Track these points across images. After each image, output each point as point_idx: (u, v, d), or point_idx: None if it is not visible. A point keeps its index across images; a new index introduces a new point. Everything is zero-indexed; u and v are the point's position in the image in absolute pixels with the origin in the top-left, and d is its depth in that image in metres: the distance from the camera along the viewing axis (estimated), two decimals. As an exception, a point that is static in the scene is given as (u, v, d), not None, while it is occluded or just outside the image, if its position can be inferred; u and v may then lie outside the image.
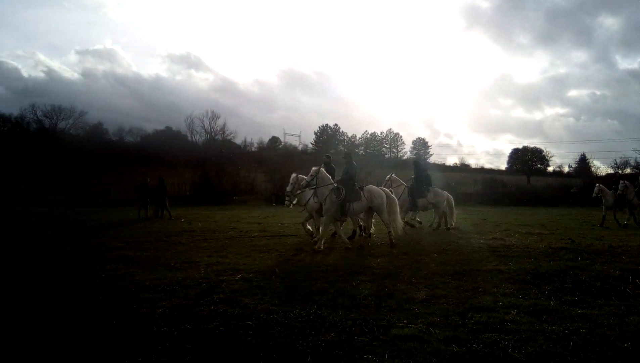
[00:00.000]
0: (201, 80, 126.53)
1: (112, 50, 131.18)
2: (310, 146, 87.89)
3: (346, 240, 12.14)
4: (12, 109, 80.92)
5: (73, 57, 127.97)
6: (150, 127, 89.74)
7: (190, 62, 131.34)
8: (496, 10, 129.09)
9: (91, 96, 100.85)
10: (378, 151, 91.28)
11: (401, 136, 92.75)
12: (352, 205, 11.84)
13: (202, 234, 14.77)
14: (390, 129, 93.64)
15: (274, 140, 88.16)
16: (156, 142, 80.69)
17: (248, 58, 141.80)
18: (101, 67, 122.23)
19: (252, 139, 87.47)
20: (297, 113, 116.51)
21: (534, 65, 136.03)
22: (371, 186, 12.55)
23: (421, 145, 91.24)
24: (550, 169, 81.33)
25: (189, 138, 75.55)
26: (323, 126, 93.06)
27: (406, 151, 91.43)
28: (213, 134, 70.44)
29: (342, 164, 12.70)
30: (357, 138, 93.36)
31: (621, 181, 19.44)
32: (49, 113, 79.76)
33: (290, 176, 12.67)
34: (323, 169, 12.34)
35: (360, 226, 13.61)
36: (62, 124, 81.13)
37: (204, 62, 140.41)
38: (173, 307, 6.44)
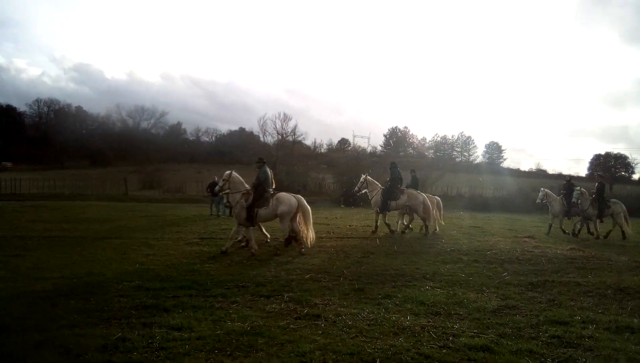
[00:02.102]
0: (271, 82, 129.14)
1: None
2: (380, 148, 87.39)
3: (254, 245, 11.32)
4: (99, 109, 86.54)
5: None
6: (224, 127, 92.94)
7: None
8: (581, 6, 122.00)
9: (170, 97, 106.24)
10: (448, 155, 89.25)
11: (473, 140, 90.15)
12: (260, 211, 11.51)
13: (272, 233, 15.09)
14: (462, 132, 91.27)
15: (343, 142, 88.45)
16: (230, 142, 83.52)
17: (318, 60, 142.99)
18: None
19: (321, 140, 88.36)
20: (367, 115, 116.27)
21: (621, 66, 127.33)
22: (281, 194, 11.94)
23: (494, 149, 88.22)
24: (635, 177, 75.87)
25: (261, 139, 77.43)
26: (393, 128, 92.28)
27: (478, 154, 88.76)
28: (284, 135, 71.90)
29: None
30: (427, 140, 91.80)
31: (576, 188, 17.44)
32: (132, 113, 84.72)
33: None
34: (235, 173, 11.94)
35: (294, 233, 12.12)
36: (144, 124, 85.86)
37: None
38: (245, 303, 6.69)
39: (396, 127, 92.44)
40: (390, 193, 15.72)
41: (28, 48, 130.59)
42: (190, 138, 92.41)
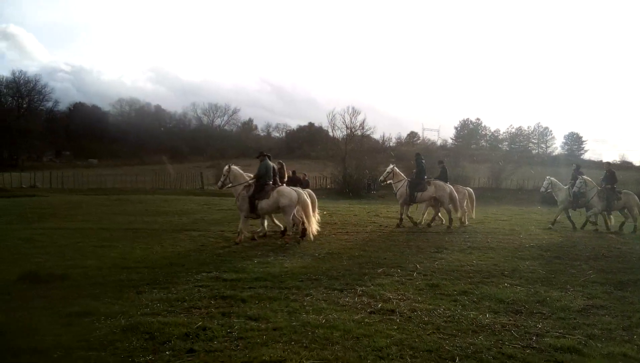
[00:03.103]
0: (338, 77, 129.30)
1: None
2: (450, 141, 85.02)
3: (246, 234, 11.92)
4: (176, 108, 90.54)
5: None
6: (293, 123, 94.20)
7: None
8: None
9: (240, 95, 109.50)
10: (524, 147, 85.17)
11: (551, 131, 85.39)
12: (260, 203, 11.71)
13: (343, 227, 15.13)
14: (539, 122, 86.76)
15: (412, 135, 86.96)
16: (299, 137, 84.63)
17: (386, 53, 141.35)
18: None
19: (390, 134, 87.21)
20: (437, 108, 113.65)
21: None
22: (282, 188, 12.18)
23: (574, 140, 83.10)
24: None
25: (330, 133, 77.77)
26: (464, 120, 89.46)
27: (556, 146, 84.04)
28: (353, 129, 71.74)
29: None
30: (501, 132, 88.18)
31: (579, 177, 15.92)
32: (207, 111, 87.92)
33: None
34: (235, 167, 12.35)
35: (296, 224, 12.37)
36: (218, 121, 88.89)
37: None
38: (319, 295, 6.72)
39: (467, 119, 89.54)
40: (417, 184, 15.59)
41: (108, 51, 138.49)
42: (261, 134, 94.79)
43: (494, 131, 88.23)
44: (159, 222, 15.33)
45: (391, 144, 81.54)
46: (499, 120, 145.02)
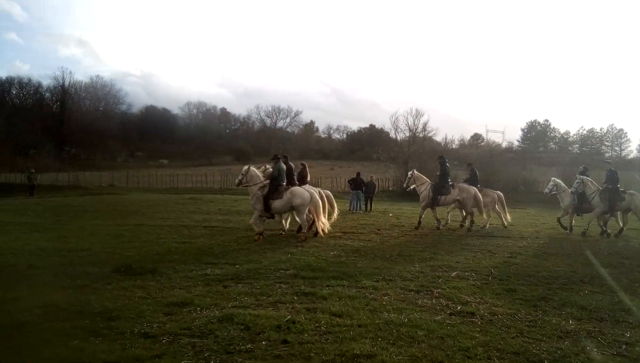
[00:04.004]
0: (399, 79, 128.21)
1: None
2: (517, 143, 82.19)
3: (259, 230, 12.40)
4: (240, 110, 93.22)
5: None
6: (353, 125, 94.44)
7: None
8: None
9: (301, 97, 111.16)
10: (596, 150, 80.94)
11: (626, 132, 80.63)
12: (274, 203, 12.28)
13: (411, 229, 15.16)
14: (612, 124, 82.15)
15: (476, 137, 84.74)
16: (360, 139, 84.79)
17: (449, 53, 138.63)
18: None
19: (452, 136, 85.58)
20: (502, 108, 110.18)
21: None
22: (295, 188, 12.61)
23: (651, 143, 78.00)
24: None
25: (393, 135, 77.32)
26: (531, 121, 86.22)
27: (632, 149, 79.22)
28: (415, 131, 71.02)
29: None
30: (571, 134, 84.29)
31: (578, 176, 14.93)
32: (270, 113, 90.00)
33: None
34: (253, 168, 13.08)
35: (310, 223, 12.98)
36: (280, 123, 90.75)
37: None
38: (397, 296, 6.88)
39: (535, 120, 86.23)
40: (440, 187, 15.39)
41: (174, 55, 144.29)
42: (322, 136, 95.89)
43: (564, 133, 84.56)
44: (232, 221, 15.96)
45: (454, 146, 79.97)
46: (569, 121, 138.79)
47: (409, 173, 16.60)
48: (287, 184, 12.87)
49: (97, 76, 75.07)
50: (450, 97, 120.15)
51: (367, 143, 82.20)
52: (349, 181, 24.20)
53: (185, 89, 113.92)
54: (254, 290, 7.01)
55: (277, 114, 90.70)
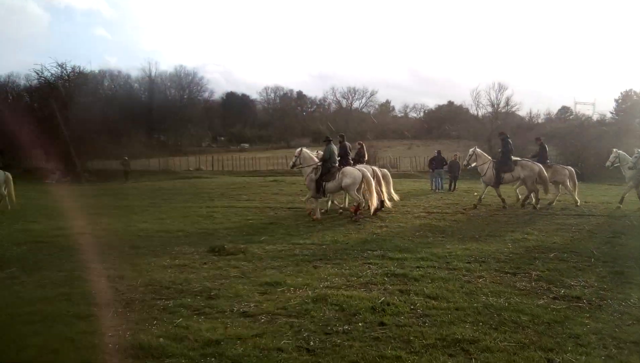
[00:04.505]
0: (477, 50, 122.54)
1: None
2: (609, 115, 76.00)
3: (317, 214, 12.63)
4: (316, 92, 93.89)
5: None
6: (431, 102, 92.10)
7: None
8: None
9: (374, 75, 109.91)
10: None
11: None
12: (327, 184, 12.44)
13: (498, 208, 14.53)
14: None
15: (564, 110, 79.27)
16: (438, 116, 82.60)
17: (530, 20, 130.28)
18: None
19: (537, 110, 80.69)
20: (591, 79, 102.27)
21: None
22: (347, 168, 12.71)
23: None
24: None
25: (474, 111, 74.42)
26: (626, 91, 79.21)
27: None
28: (497, 106, 67.93)
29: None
30: (675, 103, 76.60)
31: (637, 150, 13.88)
32: (345, 94, 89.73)
33: None
34: (306, 150, 13.46)
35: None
36: (356, 104, 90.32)
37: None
38: (492, 278, 6.60)
39: (630, 90, 79.07)
40: (503, 165, 14.77)
41: (251, 40, 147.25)
42: (399, 115, 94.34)
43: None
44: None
45: (539, 121, 75.51)
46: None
47: (470, 150, 16.07)
48: (342, 165, 13.05)
49: (181, 66, 78.19)
50: (534, 69, 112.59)
51: (446, 120, 79.77)
52: (430, 161, 23.59)
53: (262, 74, 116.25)
54: (344, 271, 7.01)
55: (353, 94, 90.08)
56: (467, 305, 5.33)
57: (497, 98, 65.05)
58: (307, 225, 11.55)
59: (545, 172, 14.62)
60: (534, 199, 14.62)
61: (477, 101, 68.52)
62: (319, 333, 4.51)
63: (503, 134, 15.88)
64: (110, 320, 4.91)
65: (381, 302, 5.34)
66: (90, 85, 51.50)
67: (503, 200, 14.83)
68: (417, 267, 7.21)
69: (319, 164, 13.01)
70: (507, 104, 66.33)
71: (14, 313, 5.14)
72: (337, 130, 77.04)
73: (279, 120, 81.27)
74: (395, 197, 14.74)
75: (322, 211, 13.51)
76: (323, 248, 8.81)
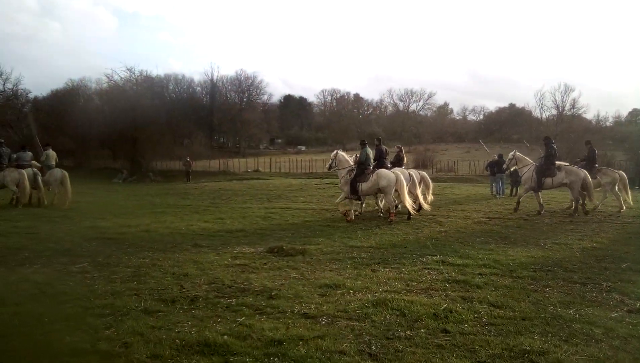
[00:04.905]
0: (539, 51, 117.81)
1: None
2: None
3: (351, 215, 13.04)
4: (372, 95, 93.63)
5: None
6: (491, 105, 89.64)
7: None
8: None
9: (432, 77, 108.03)
10: None
11: None
12: (361, 185, 12.75)
13: (563, 216, 13.90)
14: None
15: (635, 113, 74.95)
16: (499, 119, 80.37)
17: (599, 17, 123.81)
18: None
19: (606, 113, 76.68)
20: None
21: None
22: (381, 170, 12.97)
23: None
24: None
25: (537, 114, 71.78)
26: None
27: None
28: (562, 109, 65.19)
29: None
30: None
31: None
32: (402, 96, 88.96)
33: None
34: (341, 153, 14.06)
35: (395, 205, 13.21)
36: (413, 106, 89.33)
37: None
38: (559, 288, 6.32)
39: None
40: (545, 169, 14.28)
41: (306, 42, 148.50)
42: (457, 117, 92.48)
43: None
44: (372, 205, 16.00)
45: (607, 124, 71.71)
46: None
47: (510, 154, 15.69)
48: (378, 168, 13.26)
49: (241, 69, 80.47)
50: (603, 69, 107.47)
51: (507, 123, 77.50)
52: (488, 164, 22.89)
53: (320, 77, 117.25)
54: (403, 275, 6.92)
55: (410, 97, 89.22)
56: (534, 315, 5.11)
57: (562, 100, 62.54)
58: (364, 228, 11.50)
59: (589, 178, 14.07)
60: (573, 206, 14.12)
61: (541, 103, 66.19)
62: (381, 337, 4.46)
63: (547, 138, 15.44)
64: (176, 316, 5.08)
65: (443, 309, 5.22)
66: (156, 88, 53.72)
67: (541, 206, 14.35)
68: (479, 274, 7.01)
69: (354, 166, 13.30)
70: (573, 106, 63.68)
71: (87, 306, 5.42)
72: (393, 133, 76.75)
73: (335, 123, 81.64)
74: (428, 202, 14.52)
75: (356, 213, 13.76)
76: (381, 251, 8.74)
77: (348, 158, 13.80)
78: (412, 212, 12.80)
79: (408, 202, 12.72)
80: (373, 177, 12.77)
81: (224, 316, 5.09)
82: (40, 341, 4.34)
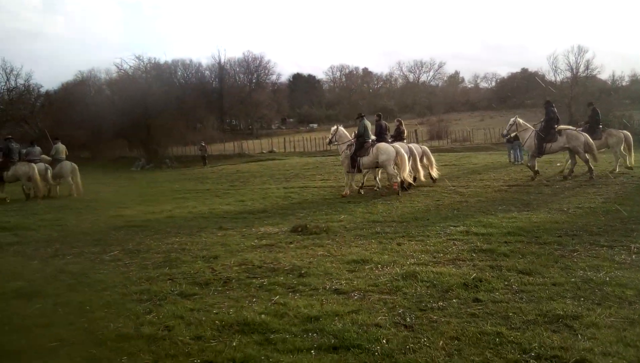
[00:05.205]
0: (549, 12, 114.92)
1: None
2: None
3: (354, 187, 13.62)
4: (382, 68, 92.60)
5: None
6: (502, 70, 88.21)
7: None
8: None
9: (441, 47, 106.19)
10: None
11: None
12: (361, 160, 12.85)
13: (586, 179, 13.76)
14: None
15: (653, 69, 73.04)
16: (512, 85, 79.06)
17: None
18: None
19: (622, 72, 75.03)
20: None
21: None
22: (381, 144, 13.02)
23: None
24: None
25: (551, 77, 70.31)
26: None
27: None
28: (576, 71, 63.69)
29: None
30: None
31: None
32: (412, 68, 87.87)
33: None
34: (341, 128, 14.28)
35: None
36: (423, 77, 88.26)
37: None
38: (587, 252, 6.30)
39: None
40: (545, 134, 14.22)
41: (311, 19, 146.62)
42: (469, 86, 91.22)
43: None
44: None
45: (624, 83, 70.09)
46: None
47: (511, 120, 15.44)
48: (377, 141, 13.34)
49: (248, 51, 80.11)
50: (616, 28, 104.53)
51: (520, 89, 76.18)
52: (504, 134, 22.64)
53: (328, 54, 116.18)
54: (428, 248, 6.97)
55: (420, 68, 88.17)
56: (565, 280, 5.14)
57: (576, 62, 61.18)
58: (385, 203, 11.55)
59: (591, 140, 13.96)
60: (587, 169, 13.87)
61: (555, 67, 64.76)
62: (414, 309, 4.54)
63: (548, 102, 15.26)
64: (212, 298, 5.21)
65: (473, 278, 5.28)
66: (165, 75, 53.75)
67: (535, 172, 14.30)
68: (505, 242, 7.03)
69: (353, 141, 13.43)
70: (587, 67, 62.20)
71: (124, 293, 5.57)
72: (404, 106, 76.08)
73: (345, 98, 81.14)
74: (435, 175, 14.89)
75: (375, 189, 14.05)
76: (404, 225, 8.79)
77: (347, 133, 14.05)
78: (411, 183, 13.30)
79: (407, 175, 12.97)
80: (373, 151, 12.90)
81: (258, 295, 5.21)
82: (87, 329, 4.48)
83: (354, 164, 13.16)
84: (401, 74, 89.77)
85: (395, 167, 12.85)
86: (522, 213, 9.28)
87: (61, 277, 6.48)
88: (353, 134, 13.96)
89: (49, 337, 4.38)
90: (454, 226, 8.37)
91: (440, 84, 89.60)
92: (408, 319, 4.31)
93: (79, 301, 5.33)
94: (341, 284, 5.42)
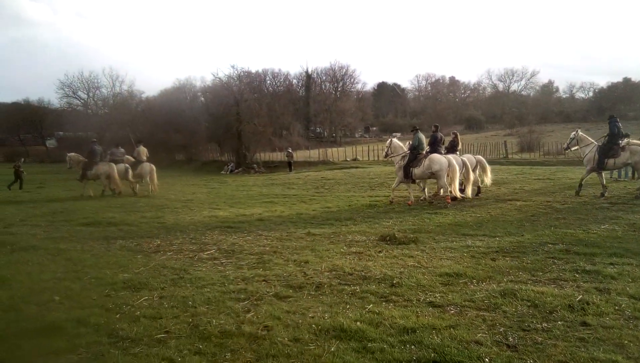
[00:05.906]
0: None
1: None
2: None
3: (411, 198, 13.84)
4: (470, 77, 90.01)
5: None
6: (601, 80, 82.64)
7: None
8: None
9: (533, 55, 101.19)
10: None
11: None
12: (414, 170, 13.35)
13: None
14: None
15: None
16: (612, 96, 73.87)
17: None
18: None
19: None
20: None
21: None
22: (433, 155, 13.40)
23: None
24: None
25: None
26: None
27: None
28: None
29: None
30: None
31: None
32: (502, 77, 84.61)
33: None
34: (396, 140, 14.74)
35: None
36: (514, 86, 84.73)
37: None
38: None
39: None
40: (608, 149, 13.71)
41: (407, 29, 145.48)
42: (563, 96, 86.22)
43: None
44: (482, 192, 15.53)
45: None
46: None
47: (572, 133, 14.98)
48: (430, 152, 13.69)
49: (335, 60, 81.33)
50: None
51: (621, 99, 70.94)
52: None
53: (413, 63, 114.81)
54: (526, 265, 6.68)
55: (511, 76, 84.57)
56: (685, 308, 4.73)
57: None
58: (475, 216, 11.18)
59: None
60: None
61: (664, 76, 59.60)
62: (516, 329, 4.36)
63: (612, 117, 14.33)
64: (306, 302, 5.32)
65: (579, 300, 4.98)
66: (255, 83, 55.79)
67: (604, 187, 13.72)
68: (611, 264, 6.58)
69: (407, 152, 13.96)
70: None
71: (223, 291, 5.83)
72: (492, 115, 73.39)
73: (430, 108, 79.81)
74: (487, 182, 15.20)
75: (421, 199, 14.37)
76: (497, 240, 8.47)
77: (402, 144, 14.58)
78: (458, 196, 13.30)
79: (456, 187, 13.21)
80: (425, 162, 13.33)
81: (351, 302, 5.25)
82: (191, 323, 4.74)
83: (407, 174, 13.69)
84: (490, 82, 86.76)
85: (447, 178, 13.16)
86: (628, 233, 8.65)
87: (164, 272, 6.90)
88: (408, 143, 14.44)
89: (157, 327, 4.68)
90: (552, 243, 7.96)
91: (532, 94, 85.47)
92: (510, 338, 4.15)
93: (182, 295, 5.65)
94: (435, 297, 5.33)
